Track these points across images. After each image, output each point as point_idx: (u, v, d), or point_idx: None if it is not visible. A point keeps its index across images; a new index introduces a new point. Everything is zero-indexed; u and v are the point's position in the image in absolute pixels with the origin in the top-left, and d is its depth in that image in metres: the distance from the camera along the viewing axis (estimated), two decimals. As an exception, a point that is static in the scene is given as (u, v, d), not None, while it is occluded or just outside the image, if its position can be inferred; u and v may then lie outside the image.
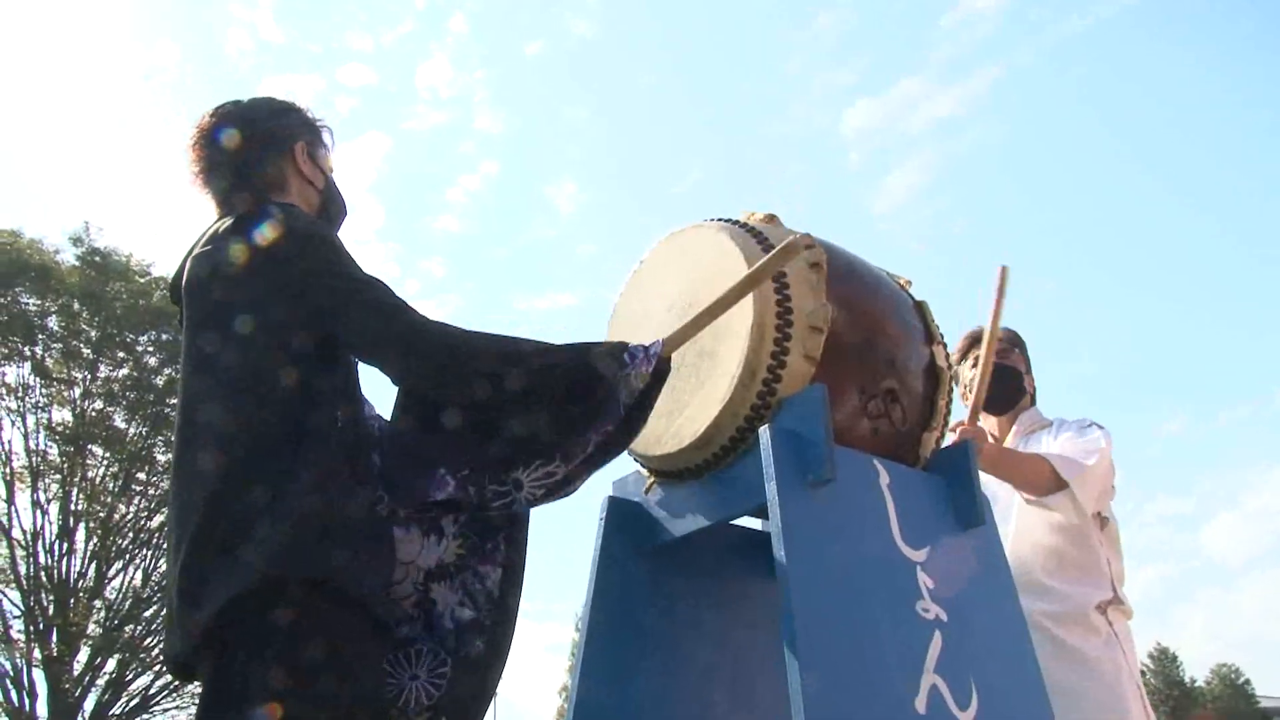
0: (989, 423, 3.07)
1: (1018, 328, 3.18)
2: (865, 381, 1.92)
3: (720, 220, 2.06)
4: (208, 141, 1.85)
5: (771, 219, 2.04)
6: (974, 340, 3.03)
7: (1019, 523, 2.85)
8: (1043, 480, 2.70)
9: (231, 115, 1.88)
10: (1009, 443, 3.02)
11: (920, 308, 2.12)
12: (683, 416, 1.93)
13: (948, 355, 2.11)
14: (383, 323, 1.65)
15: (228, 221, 1.76)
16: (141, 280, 20.51)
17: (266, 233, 1.68)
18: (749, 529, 2.24)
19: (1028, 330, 3.18)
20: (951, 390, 2.10)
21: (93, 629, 18.83)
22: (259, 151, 1.85)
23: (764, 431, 1.77)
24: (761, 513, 1.89)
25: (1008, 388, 3.00)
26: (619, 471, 2.24)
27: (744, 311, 1.85)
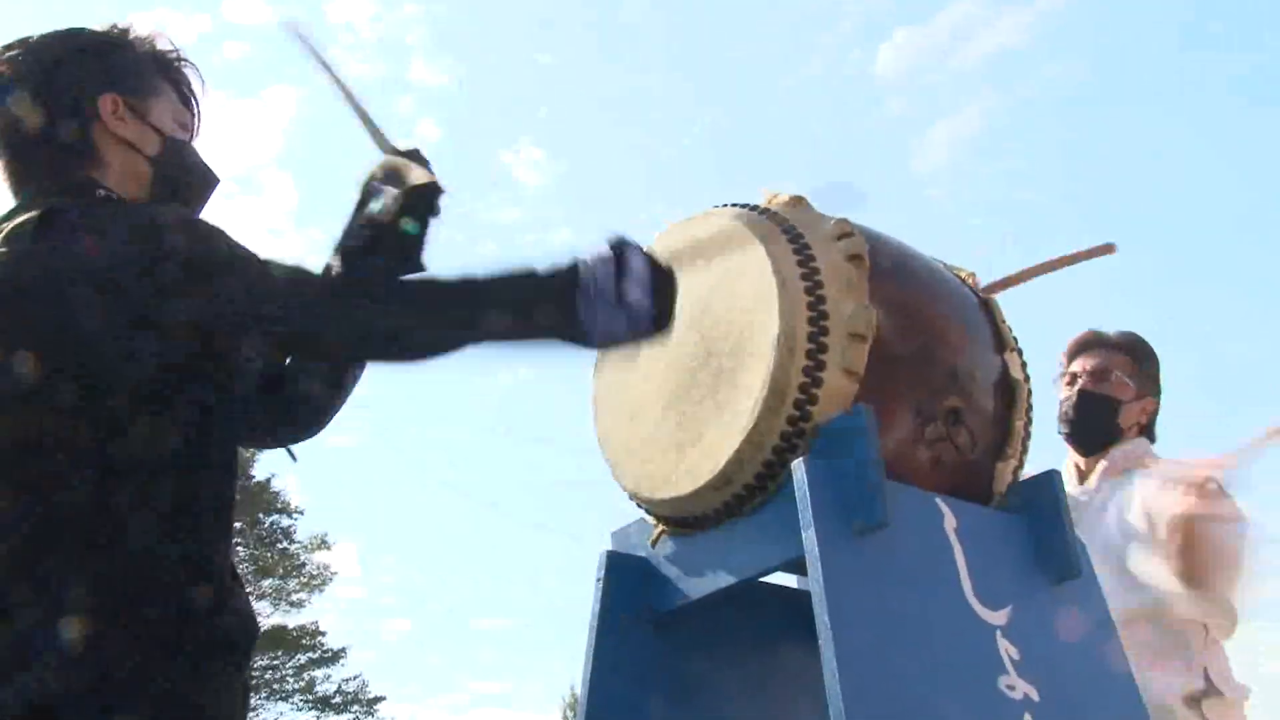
0: (1071, 458, 2.55)
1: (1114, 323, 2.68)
2: (922, 400, 1.73)
3: (736, 206, 1.86)
4: None
5: (799, 201, 1.82)
6: (1083, 346, 2.53)
7: None
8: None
9: (12, 68, 1.48)
10: (1093, 482, 2.48)
11: (988, 307, 1.91)
12: (697, 450, 1.75)
13: (1024, 365, 1.87)
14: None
15: (28, 221, 1.38)
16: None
17: (79, 243, 1.32)
18: (783, 587, 2.03)
19: (1130, 320, 2.69)
20: (1030, 409, 1.85)
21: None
22: (52, 115, 1.46)
23: (797, 466, 1.60)
24: (798, 567, 1.72)
25: (1099, 422, 2.47)
26: (619, 520, 2.03)
27: (766, 318, 1.66)
